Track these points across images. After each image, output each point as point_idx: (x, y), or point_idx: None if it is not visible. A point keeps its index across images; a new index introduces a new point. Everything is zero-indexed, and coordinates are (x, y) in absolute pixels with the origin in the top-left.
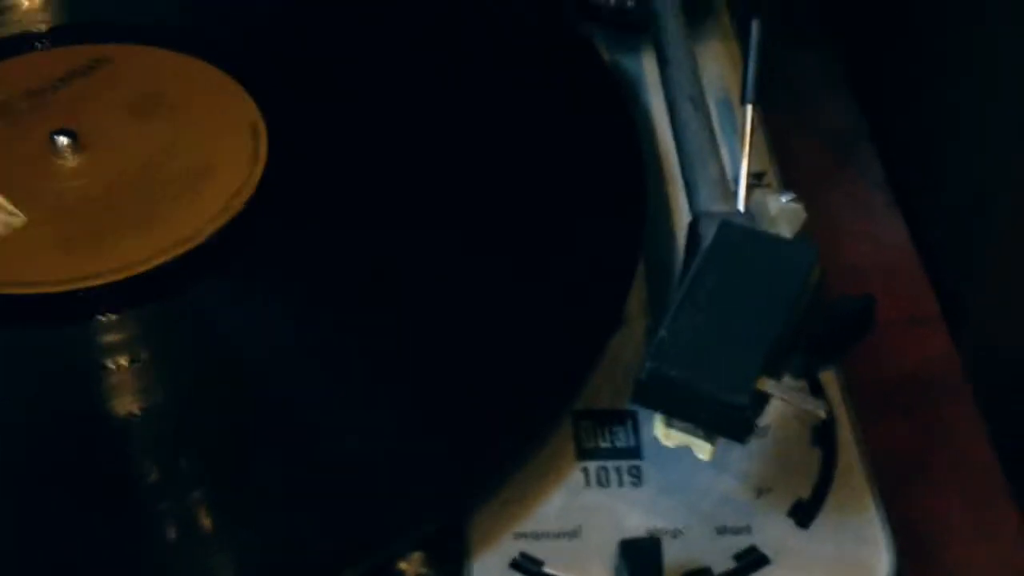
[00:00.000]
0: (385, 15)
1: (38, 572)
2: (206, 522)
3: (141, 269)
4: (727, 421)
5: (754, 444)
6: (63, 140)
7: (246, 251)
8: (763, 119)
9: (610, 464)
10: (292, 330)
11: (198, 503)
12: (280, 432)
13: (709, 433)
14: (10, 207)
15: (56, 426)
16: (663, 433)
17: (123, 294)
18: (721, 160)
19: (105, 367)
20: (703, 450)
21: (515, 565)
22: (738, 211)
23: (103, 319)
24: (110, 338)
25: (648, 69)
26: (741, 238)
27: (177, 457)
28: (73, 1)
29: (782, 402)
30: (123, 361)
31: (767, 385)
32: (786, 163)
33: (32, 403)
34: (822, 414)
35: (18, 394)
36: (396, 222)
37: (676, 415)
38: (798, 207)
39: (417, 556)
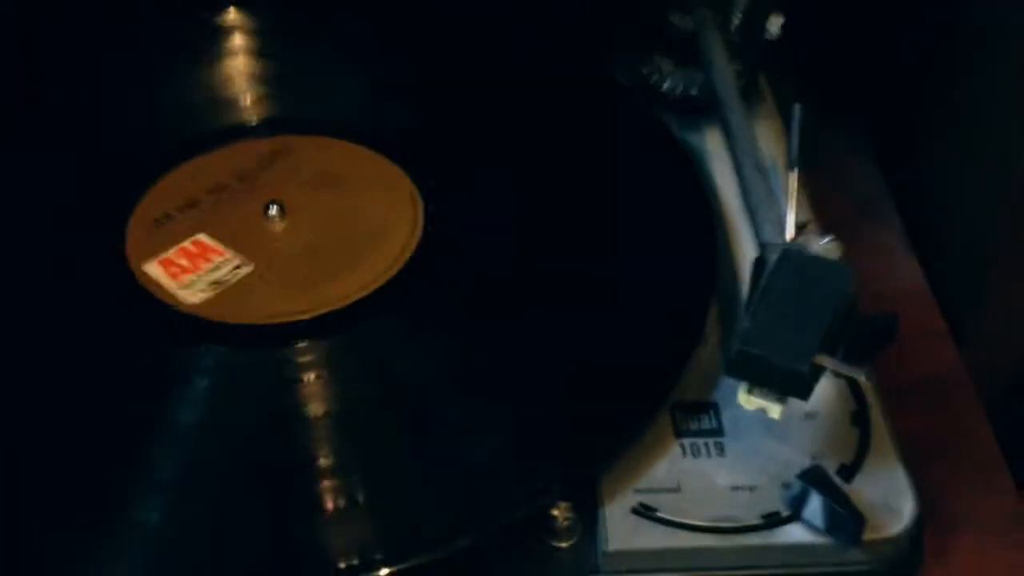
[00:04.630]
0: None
1: (249, 525)
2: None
3: (330, 308)
4: (793, 384)
5: (808, 425)
6: (273, 208)
7: (409, 297)
8: (804, 181)
9: (700, 440)
10: (455, 344)
11: (384, 474)
12: (453, 422)
13: (780, 396)
14: (242, 259)
15: (265, 421)
16: (745, 399)
17: (315, 327)
18: (779, 207)
19: (299, 380)
20: (775, 411)
21: (636, 511)
22: (794, 242)
23: (299, 345)
24: (305, 359)
25: (709, 142)
26: (799, 260)
27: (370, 444)
28: (265, 100)
29: (831, 376)
30: (312, 376)
31: (822, 359)
32: (822, 216)
33: (250, 403)
34: (862, 377)
35: (242, 396)
36: (527, 270)
37: (756, 383)
38: (835, 245)
39: (564, 505)
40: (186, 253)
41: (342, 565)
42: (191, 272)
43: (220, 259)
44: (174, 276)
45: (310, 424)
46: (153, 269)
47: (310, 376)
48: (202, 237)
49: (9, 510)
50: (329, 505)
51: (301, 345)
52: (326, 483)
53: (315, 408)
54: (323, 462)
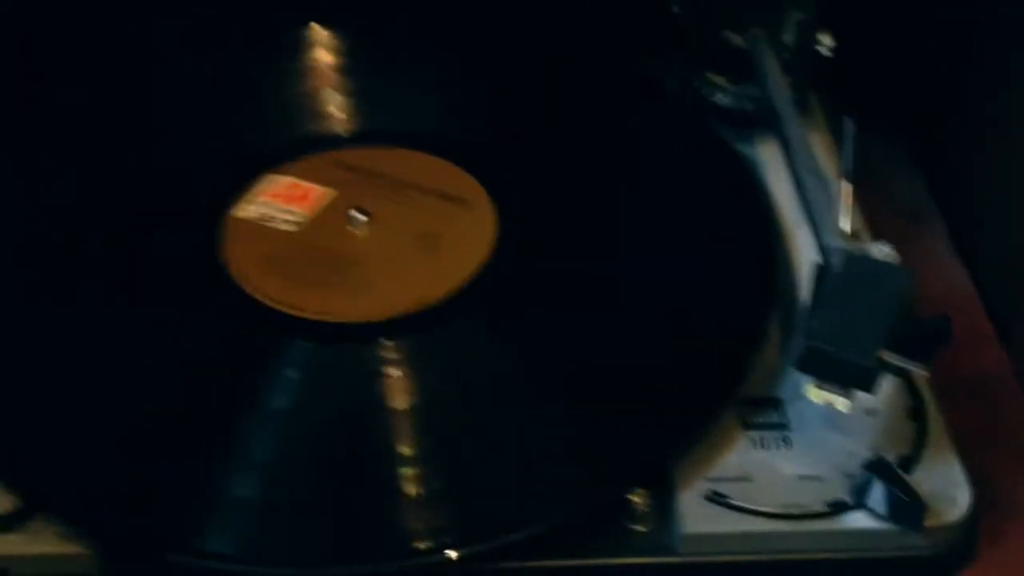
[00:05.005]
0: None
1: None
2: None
3: (414, 309)
4: (859, 378)
5: (869, 419)
6: (356, 214)
7: (482, 303)
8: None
9: (767, 434)
10: (539, 350)
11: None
12: (533, 416)
13: (846, 389)
14: (300, 224)
15: (351, 412)
16: (815, 394)
17: (396, 326)
18: (836, 215)
19: (382, 374)
20: (842, 404)
21: (709, 498)
22: (855, 247)
23: (384, 343)
24: (387, 355)
25: (762, 154)
26: (861, 263)
27: (455, 435)
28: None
29: (893, 368)
30: (394, 371)
31: (886, 354)
32: (868, 224)
33: (335, 396)
34: (925, 372)
35: (329, 389)
36: (595, 284)
37: (824, 378)
38: (893, 252)
39: (642, 492)
40: (295, 188)
41: (418, 546)
42: (275, 200)
43: (296, 209)
44: (266, 195)
45: (396, 415)
46: (268, 181)
47: (400, 371)
48: (315, 188)
49: (121, 484)
50: (408, 490)
51: (387, 343)
52: (407, 470)
53: (401, 401)
54: (406, 450)
